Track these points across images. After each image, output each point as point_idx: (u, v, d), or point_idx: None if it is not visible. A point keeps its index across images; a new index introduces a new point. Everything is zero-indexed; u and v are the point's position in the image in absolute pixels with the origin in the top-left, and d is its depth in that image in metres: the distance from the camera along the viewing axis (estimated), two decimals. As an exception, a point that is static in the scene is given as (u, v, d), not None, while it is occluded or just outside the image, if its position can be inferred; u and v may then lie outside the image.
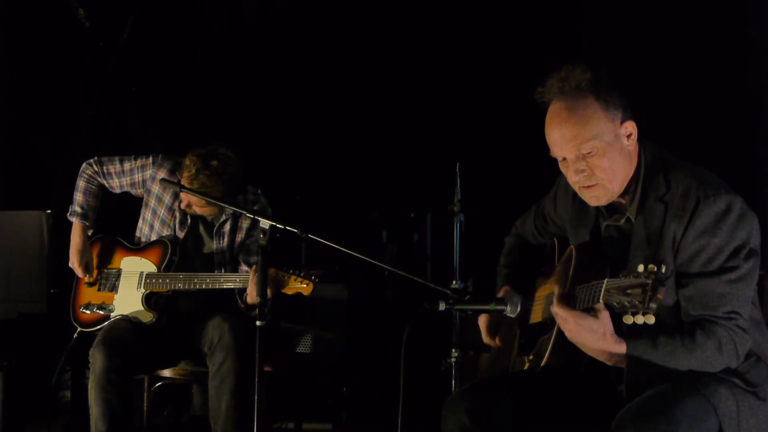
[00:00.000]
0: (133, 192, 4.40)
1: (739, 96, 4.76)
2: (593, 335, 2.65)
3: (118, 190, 4.41)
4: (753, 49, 4.75)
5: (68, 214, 4.36)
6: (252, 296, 3.97)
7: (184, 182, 4.09)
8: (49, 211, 4.68)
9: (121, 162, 4.36)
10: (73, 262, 4.29)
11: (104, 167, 4.37)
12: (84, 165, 4.40)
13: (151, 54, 5.79)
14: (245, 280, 3.97)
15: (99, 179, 4.38)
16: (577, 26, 5.23)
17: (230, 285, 4.06)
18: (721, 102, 4.73)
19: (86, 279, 4.32)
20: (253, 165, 5.58)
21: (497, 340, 3.23)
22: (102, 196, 4.42)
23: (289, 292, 3.85)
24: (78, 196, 4.36)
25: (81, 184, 4.38)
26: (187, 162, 4.11)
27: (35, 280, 4.65)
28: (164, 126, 5.90)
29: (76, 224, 4.33)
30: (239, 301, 4.14)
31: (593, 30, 5.13)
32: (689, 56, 4.82)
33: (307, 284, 3.82)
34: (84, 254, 4.30)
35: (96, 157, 4.41)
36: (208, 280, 4.10)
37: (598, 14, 5.12)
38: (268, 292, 3.75)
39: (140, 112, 5.80)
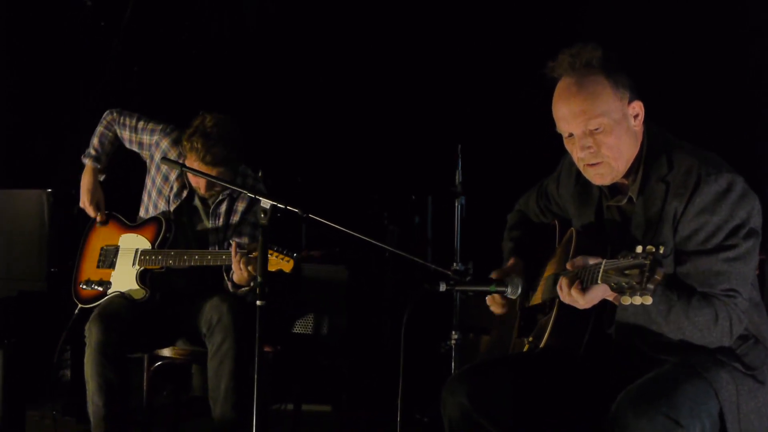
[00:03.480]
0: (140, 153, 4.44)
1: (739, 88, 4.75)
2: (601, 297, 2.66)
3: (127, 144, 4.46)
4: (752, 48, 4.74)
5: (82, 156, 4.43)
6: (237, 275, 3.97)
7: (196, 166, 4.09)
8: (49, 190, 4.67)
9: (138, 119, 4.43)
10: (84, 202, 4.35)
11: (122, 117, 4.45)
12: (106, 112, 4.49)
13: (154, 34, 5.78)
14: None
15: (115, 126, 4.46)
16: (581, 9, 5.20)
17: (218, 262, 4.07)
18: (722, 93, 4.72)
19: (99, 218, 4.37)
20: (256, 146, 5.60)
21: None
22: (117, 145, 4.48)
23: (270, 269, 3.83)
24: (94, 140, 4.45)
25: (99, 129, 4.46)
26: (191, 144, 4.08)
27: (36, 259, 4.65)
28: (167, 107, 5.88)
29: (88, 165, 4.41)
30: (226, 279, 4.15)
31: (596, 14, 5.11)
32: (689, 49, 4.81)
33: (288, 261, 3.80)
34: (94, 193, 4.37)
35: (119, 108, 4.50)
36: (197, 257, 4.11)
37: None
38: (251, 270, 3.83)
39: (143, 91, 5.79)
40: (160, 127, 4.37)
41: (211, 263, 4.09)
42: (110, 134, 4.45)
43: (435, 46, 5.62)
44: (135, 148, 4.45)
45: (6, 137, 5.87)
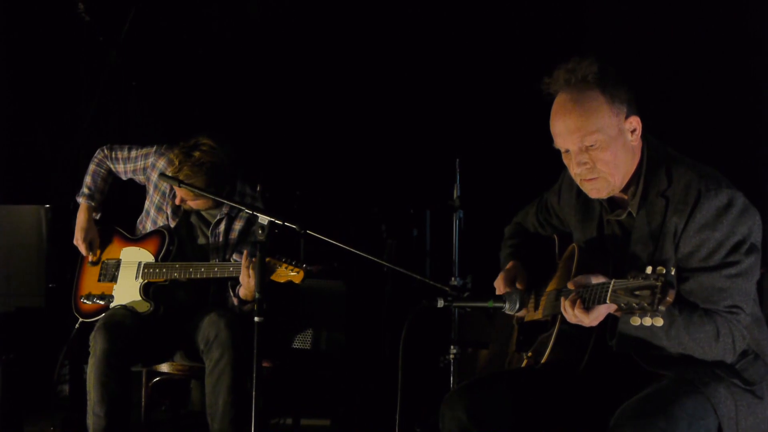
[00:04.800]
0: (137, 179, 4.48)
1: (741, 94, 4.75)
2: (605, 314, 2.66)
3: (123, 176, 4.51)
4: (754, 58, 4.74)
5: (76, 195, 4.45)
6: (245, 288, 3.98)
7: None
8: (47, 205, 4.67)
9: (129, 150, 4.47)
10: (78, 239, 4.35)
11: (113, 152, 4.49)
12: (97, 150, 4.52)
13: (152, 49, 5.79)
14: (239, 269, 3.98)
15: (107, 163, 4.49)
16: (580, 22, 5.21)
17: (225, 274, 4.08)
18: (724, 100, 4.72)
19: (90, 258, 4.38)
20: (254, 160, 5.60)
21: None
22: (111, 181, 4.51)
23: (280, 280, 3.84)
24: (87, 179, 4.47)
25: (91, 167, 4.49)
26: (171, 156, 4.18)
27: (34, 275, 4.64)
28: (165, 122, 5.90)
29: (83, 204, 4.41)
30: (232, 296, 4.15)
31: (596, 26, 5.12)
32: (692, 54, 4.81)
33: (298, 272, 3.81)
34: (88, 232, 4.37)
35: (108, 144, 4.53)
36: (203, 269, 4.12)
37: (601, 10, 5.10)
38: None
39: (141, 107, 5.80)
40: (153, 149, 4.41)
41: (218, 275, 4.11)
42: (103, 171, 4.48)
43: (433, 59, 5.63)
44: (131, 176, 4.48)
45: (3, 152, 5.87)
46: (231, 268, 4.07)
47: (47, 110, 5.85)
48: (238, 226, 4.27)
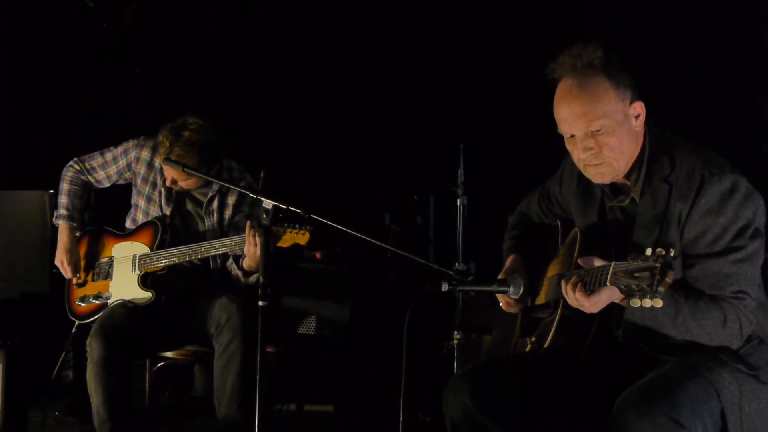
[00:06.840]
0: (122, 180, 4.40)
1: (742, 83, 4.74)
2: (608, 301, 2.66)
3: (106, 183, 4.42)
4: (755, 46, 4.73)
5: (54, 218, 4.37)
6: (249, 258, 3.96)
7: (161, 159, 4.11)
8: (51, 191, 4.67)
9: (102, 154, 4.38)
10: (62, 261, 4.28)
11: (86, 164, 4.39)
12: (65, 168, 4.41)
13: (154, 41, 5.78)
14: (240, 242, 3.95)
15: (82, 177, 4.39)
16: (583, 9, 5.20)
17: (226, 249, 4.04)
18: (723, 98, 4.72)
19: (75, 280, 4.32)
20: (258, 148, 5.61)
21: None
22: (87, 196, 4.44)
23: (286, 245, 3.78)
24: (62, 199, 4.37)
25: (64, 186, 4.38)
26: (160, 138, 4.10)
27: (38, 260, 4.65)
28: (164, 114, 5.88)
29: (63, 226, 4.33)
30: (236, 269, 4.13)
31: (598, 13, 5.10)
32: (693, 45, 4.80)
33: (303, 233, 3.78)
34: (73, 254, 4.30)
35: (76, 158, 4.42)
36: (203, 249, 4.08)
37: (601, 8, 5.10)
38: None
39: (141, 98, 5.79)
40: (130, 144, 4.33)
41: (220, 251, 4.07)
42: (77, 188, 4.38)
43: (437, 45, 5.62)
44: (115, 180, 4.40)
45: (6, 138, 5.87)
46: (232, 242, 4.03)
47: (50, 96, 5.84)
48: (231, 200, 4.24)
